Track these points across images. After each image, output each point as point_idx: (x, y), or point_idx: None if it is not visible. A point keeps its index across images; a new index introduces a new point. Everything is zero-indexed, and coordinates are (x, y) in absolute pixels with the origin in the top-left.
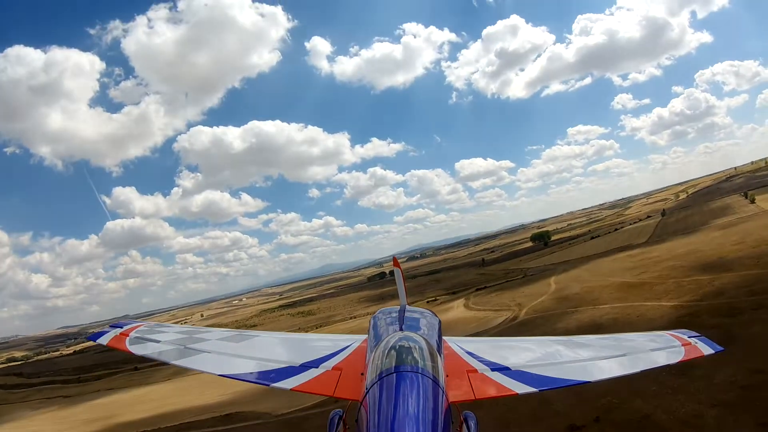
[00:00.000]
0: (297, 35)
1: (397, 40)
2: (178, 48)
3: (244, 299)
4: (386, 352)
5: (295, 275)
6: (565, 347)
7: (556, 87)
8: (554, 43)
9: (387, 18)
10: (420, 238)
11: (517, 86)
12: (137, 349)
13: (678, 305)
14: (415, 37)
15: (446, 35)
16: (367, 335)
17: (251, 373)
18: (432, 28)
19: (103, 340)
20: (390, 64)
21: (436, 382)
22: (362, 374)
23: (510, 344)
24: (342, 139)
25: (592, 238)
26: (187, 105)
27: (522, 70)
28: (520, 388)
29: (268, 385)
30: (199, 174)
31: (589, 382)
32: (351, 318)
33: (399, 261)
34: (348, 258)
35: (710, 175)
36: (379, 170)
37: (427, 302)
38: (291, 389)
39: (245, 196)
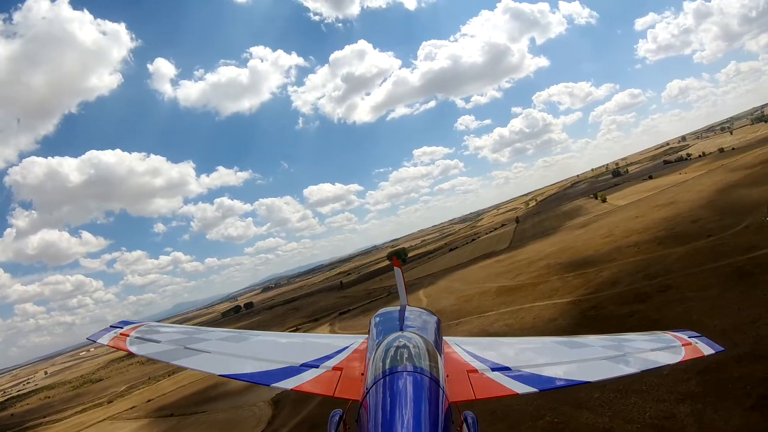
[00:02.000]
0: (140, 56)
1: (243, 63)
2: (10, 65)
3: (92, 350)
4: (386, 352)
5: (146, 318)
6: (565, 347)
7: (401, 110)
8: (400, 68)
9: (234, 40)
10: (273, 268)
11: (363, 110)
12: (137, 349)
13: (574, 300)
14: (262, 60)
15: (294, 59)
16: (367, 335)
17: (252, 373)
18: (280, 51)
19: (103, 340)
20: (236, 88)
21: (436, 382)
22: (362, 374)
23: (510, 344)
24: (187, 168)
25: (451, 249)
26: (19, 132)
27: (368, 94)
28: (521, 388)
29: (268, 385)
30: (33, 211)
31: (589, 383)
32: None
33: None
34: (200, 295)
35: (554, 184)
36: (226, 200)
37: (288, 331)
38: (291, 389)
39: (86, 235)
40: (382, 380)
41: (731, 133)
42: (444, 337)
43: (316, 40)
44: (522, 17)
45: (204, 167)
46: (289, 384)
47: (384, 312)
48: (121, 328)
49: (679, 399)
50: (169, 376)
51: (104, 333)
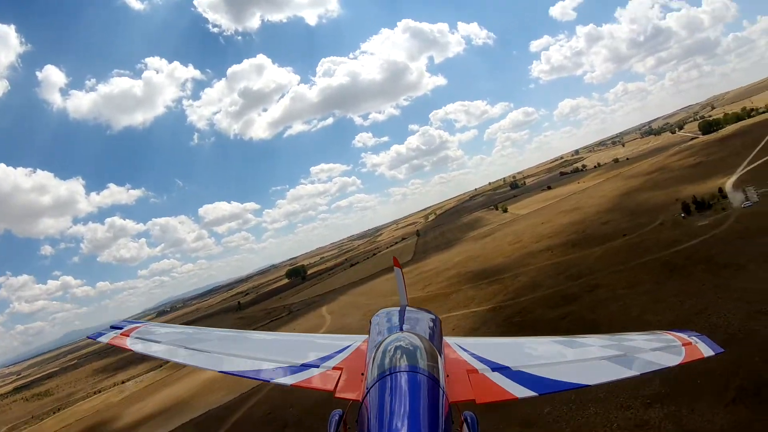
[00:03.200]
0: (29, 62)
1: (138, 74)
2: None
3: None
4: (387, 352)
5: (36, 348)
6: (565, 347)
7: (299, 127)
8: (299, 84)
9: (129, 50)
10: (169, 290)
11: (260, 126)
12: (138, 348)
13: (494, 307)
14: (157, 72)
15: (190, 72)
16: (367, 335)
17: (252, 371)
18: (176, 63)
19: (104, 339)
20: (130, 100)
21: (436, 382)
22: (362, 374)
23: (510, 344)
24: (76, 185)
25: (352, 265)
26: None
27: (265, 110)
28: (520, 392)
29: (268, 381)
30: None
31: (588, 386)
32: (96, 393)
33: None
34: (93, 321)
35: (452, 198)
36: (118, 220)
37: None
38: (291, 385)
39: None
40: (382, 380)
41: (623, 146)
42: (444, 337)
43: (213, 53)
44: (421, 36)
45: (94, 184)
46: (289, 383)
47: (384, 312)
48: (122, 328)
49: (646, 403)
50: (54, 413)
51: (105, 333)
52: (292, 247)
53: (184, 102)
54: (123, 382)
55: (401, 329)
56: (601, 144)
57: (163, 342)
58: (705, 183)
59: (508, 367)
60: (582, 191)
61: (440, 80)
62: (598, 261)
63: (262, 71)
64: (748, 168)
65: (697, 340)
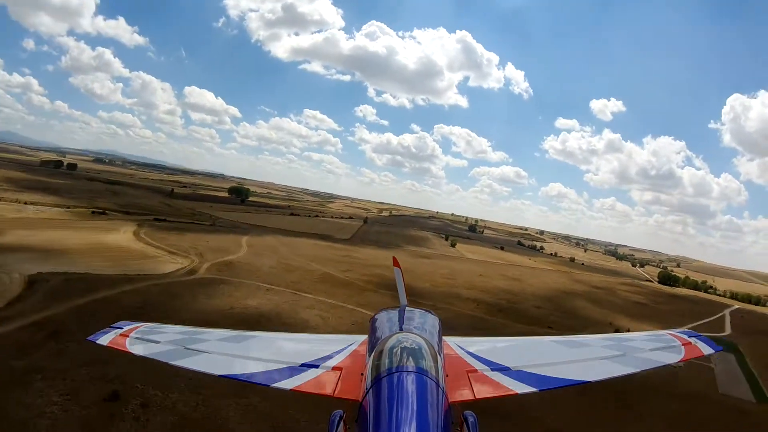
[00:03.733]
0: None
1: None
2: None
3: None
4: (386, 352)
5: None
6: (565, 347)
7: (317, 67)
8: (339, 29)
9: None
10: (117, 144)
11: (283, 46)
12: (137, 350)
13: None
14: None
15: None
16: (367, 335)
17: (251, 373)
18: None
19: (103, 341)
20: None
21: (436, 382)
22: (362, 374)
23: (510, 344)
24: (89, 1)
25: (292, 214)
26: None
27: (297, 34)
28: (521, 388)
29: (268, 386)
30: None
31: (589, 382)
32: None
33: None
34: (33, 134)
35: (412, 208)
36: (108, 53)
37: (92, 213)
38: (291, 389)
39: None
40: (382, 380)
41: (585, 251)
42: (444, 337)
43: None
44: (470, 54)
45: (107, 9)
46: (288, 384)
47: (384, 312)
48: (121, 328)
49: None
50: None
51: (104, 333)
52: (249, 170)
53: None
54: (26, 203)
55: (401, 329)
56: (567, 238)
57: (162, 342)
58: (640, 324)
59: (507, 367)
60: (530, 268)
61: (463, 101)
62: (513, 335)
63: None
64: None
65: (697, 340)
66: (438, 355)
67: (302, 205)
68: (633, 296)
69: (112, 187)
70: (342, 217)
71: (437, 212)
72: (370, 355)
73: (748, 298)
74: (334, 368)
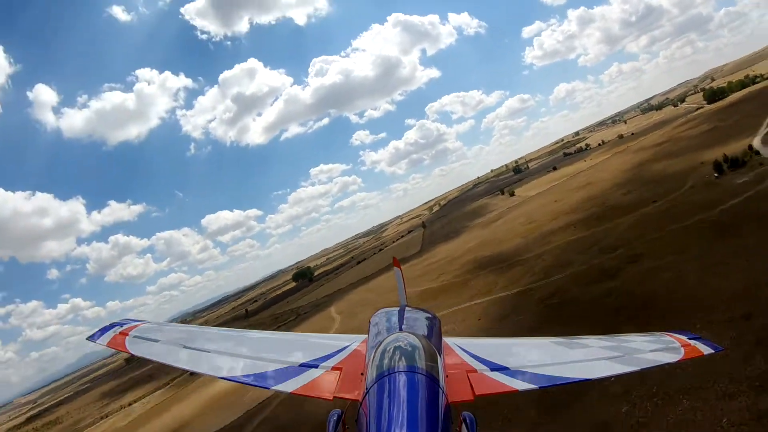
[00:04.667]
0: (19, 82)
1: (129, 87)
2: None
3: None
4: (386, 352)
5: (51, 375)
6: (565, 347)
7: (295, 129)
8: (291, 85)
9: (118, 62)
10: (179, 304)
11: (256, 132)
12: (136, 350)
13: (523, 290)
14: (148, 83)
15: (182, 81)
16: (367, 335)
17: (251, 374)
18: (167, 73)
19: (102, 340)
20: (122, 114)
21: (435, 382)
22: (362, 374)
23: (510, 344)
24: (77, 205)
25: (359, 263)
26: None
27: (260, 114)
28: (520, 385)
29: (268, 387)
30: None
31: (589, 380)
32: (103, 418)
33: None
34: None
35: (454, 189)
36: (121, 237)
37: (191, 374)
38: (290, 392)
39: None
40: (381, 380)
41: (625, 123)
42: (443, 337)
43: (204, 60)
44: (412, 29)
45: (95, 203)
46: (288, 386)
47: (383, 312)
48: (121, 326)
49: (756, 387)
50: None
51: (103, 333)
52: (298, 251)
53: (178, 112)
54: (130, 404)
55: (400, 329)
56: (601, 124)
57: (162, 342)
58: (725, 146)
59: (507, 367)
60: (591, 167)
61: (434, 73)
62: (631, 230)
63: (254, 75)
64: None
65: (696, 341)
66: (438, 355)
67: (362, 250)
68: (698, 128)
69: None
70: (402, 236)
71: (477, 177)
72: (370, 355)
73: None
74: (334, 368)
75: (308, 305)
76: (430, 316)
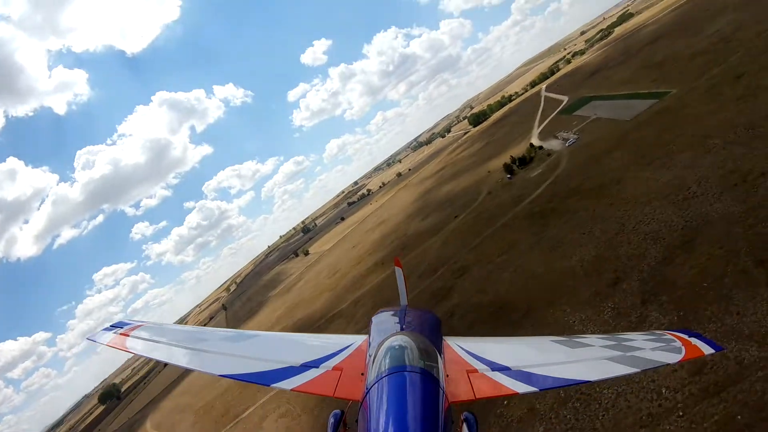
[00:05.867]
0: None
1: None
2: None
3: None
4: (387, 352)
5: None
6: (565, 346)
7: (69, 233)
8: (58, 184)
9: None
10: None
11: (25, 242)
12: (137, 350)
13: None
14: None
15: None
16: (367, 335)
17: (251, 373)
18: None
19: (104, 340)
20: None
21: (436, 382)
22: (362, 374)
23: (510, 344)
24: None
25: (165, 365)
26: None
27: (27, 222)
28: (521, 388)
29: (268, 385)
30: None
31: (590, 382)
32: None
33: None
34: None
35: (247, 264)
36: None
37: None
38: (291, 389)
39: None
40: (382, 380)
41: (400, 162)
42: (444, 337)
43: None
44: (179, 107)
45: None
46: (289, 384)
47: (384, 312)
48: (121, 327)
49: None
50: None
51: (104, 333)
52: (100, 369)
53: None
54: None
55: (401, 329)
56: (377, 169)
57: (162, 342)
58: (505, 153)
59: (508, 367)
60: (379, 208)
61: (206, 149)
62: (445, 248)
63: (14, 177)
64: (542, 128)
65: (697, 340)
66: (438, 355)
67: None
68: (472, 148)
69: None
70: (205, 324)
71: (268, 246)
72: (370, 355)
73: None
74: (335, 368)
75: (121, 427)
76: (430, 316)
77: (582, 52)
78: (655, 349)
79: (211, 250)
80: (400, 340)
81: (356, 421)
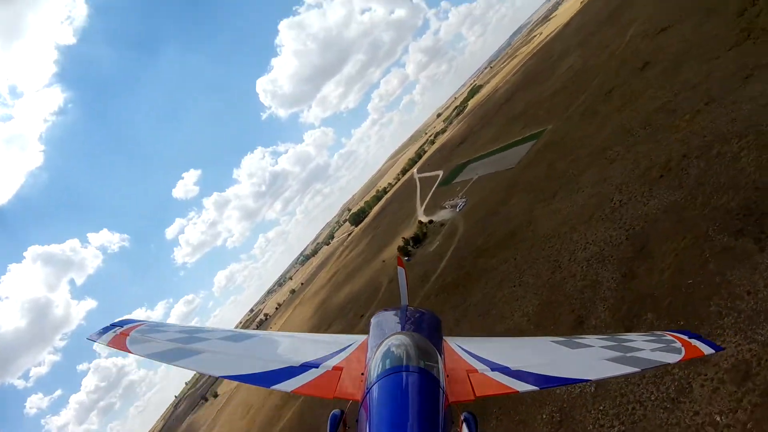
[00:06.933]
0: None
1: None
2: None
3: None
4: (387, 351)
5: None
6: (565, 347)
7: None
8: None
9: None
10: None
11: None
12: (137, 349)
13: None
14: None
15: None
16: (367, 335)
17: (251, 374)
18: None
19: (103, 340)
20: None
21: (436, 382)
22: (362, 374)
23: (510, 344)
24: None
25: None
26: None
27: None
28: (521, 387)
29: (268, 387)
30: None
31: (590, 381)
32: None
33: None
34: None
35: (157, 419)
36: None
37: None
38: (291, 392)
39: None
40: (382, 380)
41: (291, 279)
42: (444, 337)
43: None
44: (54, 260)
45: None
46: (288, 386)
47: (384, 311)
48: (122, 327)
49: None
50: None
51: (104, 333)
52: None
53: None
54: None
55: (402, 329)
56: (270, 292)
57: (162, 342)
58: (396, 239)
59: (507, 367)
60: (279, 330)
61: (90, 303)
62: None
63: None
64: (425, 204)
65: (697, 341)
66: (438, 355)
67: None
68: (359, 247)
69: None
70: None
71: (175, 397)
72: (370, 355)
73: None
74: (335, 368)
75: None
76: (430, 316)
77: (443, 131)
78: (655, 349)
79: (117, 413)
80: (400, 340)
81: (356, 421)
